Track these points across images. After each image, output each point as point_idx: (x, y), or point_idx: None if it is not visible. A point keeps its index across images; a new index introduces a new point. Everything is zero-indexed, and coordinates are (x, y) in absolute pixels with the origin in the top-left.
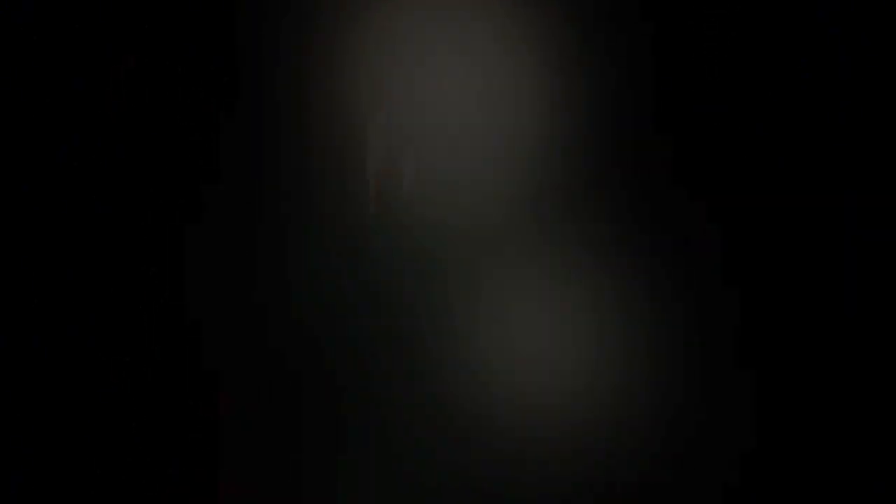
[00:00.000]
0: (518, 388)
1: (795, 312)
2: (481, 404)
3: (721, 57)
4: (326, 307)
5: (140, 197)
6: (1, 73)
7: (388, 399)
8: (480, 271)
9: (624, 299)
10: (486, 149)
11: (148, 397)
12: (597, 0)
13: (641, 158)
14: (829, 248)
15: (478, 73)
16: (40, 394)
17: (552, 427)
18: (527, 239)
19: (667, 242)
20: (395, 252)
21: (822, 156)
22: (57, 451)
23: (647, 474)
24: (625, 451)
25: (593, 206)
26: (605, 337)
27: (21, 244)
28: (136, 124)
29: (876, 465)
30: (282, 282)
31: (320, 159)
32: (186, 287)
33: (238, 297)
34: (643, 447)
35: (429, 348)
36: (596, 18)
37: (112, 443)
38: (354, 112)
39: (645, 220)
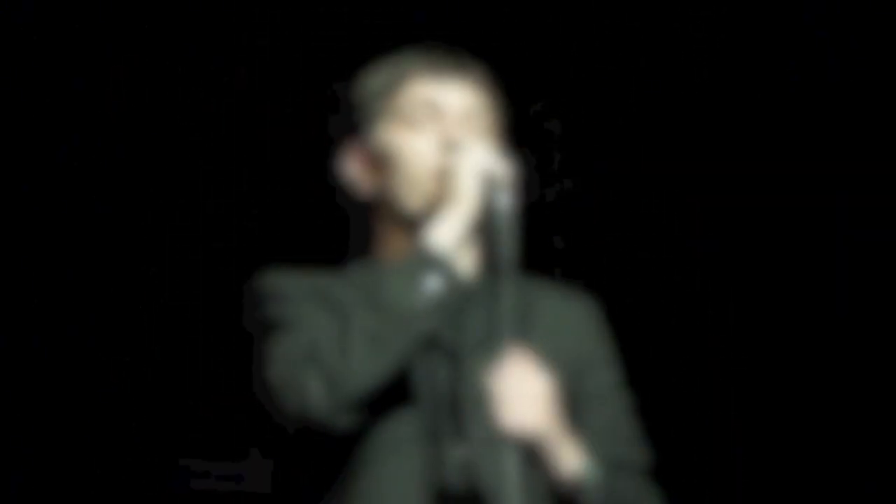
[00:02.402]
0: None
1: (787, 311)
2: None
3: (716, 59)
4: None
5: (139, 197)
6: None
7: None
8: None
9: (619, 298)
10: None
11: (146, 397)
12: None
13: (636, 160)
14: (820, 248)
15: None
16: (40, 394)
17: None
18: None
19: (661, 243)
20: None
21: (814, 157)
22: (56, 452)
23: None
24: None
25: (588, 209)
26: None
27: (21, 244)
28: (136, 124)
29: (869, 461)
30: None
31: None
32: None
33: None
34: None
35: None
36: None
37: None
38: None
39: (640, 220)
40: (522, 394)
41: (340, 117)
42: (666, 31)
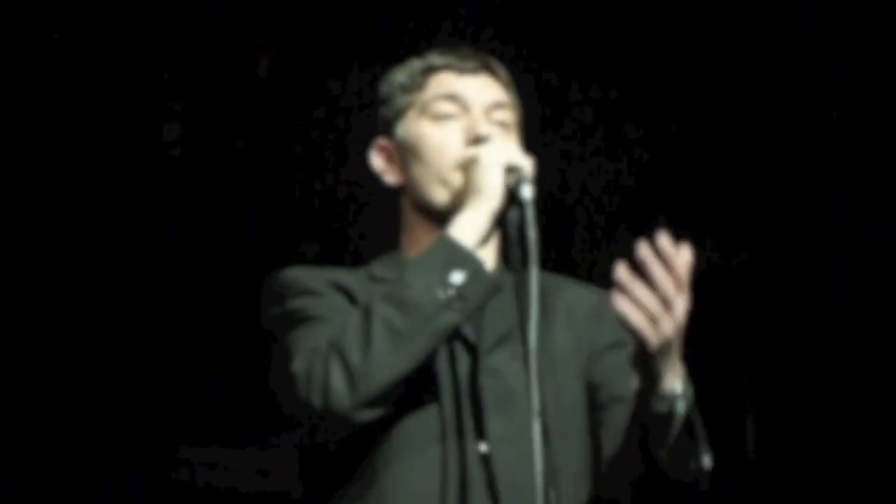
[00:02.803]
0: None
1: (787, 311)
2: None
3: (715, 59)
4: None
5: (139, 197)
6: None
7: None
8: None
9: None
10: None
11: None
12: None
13: (640, 160)
14: (820, 248)
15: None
16: (40, 393)
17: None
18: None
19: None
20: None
21: (814, 157)
22: (57, 451)
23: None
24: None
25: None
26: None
27: (21, 244)
28: (136, 124)
29: (869, 461)
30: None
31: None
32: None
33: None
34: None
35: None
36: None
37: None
38: None
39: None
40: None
41: (370, 112)
42: (666, 31)
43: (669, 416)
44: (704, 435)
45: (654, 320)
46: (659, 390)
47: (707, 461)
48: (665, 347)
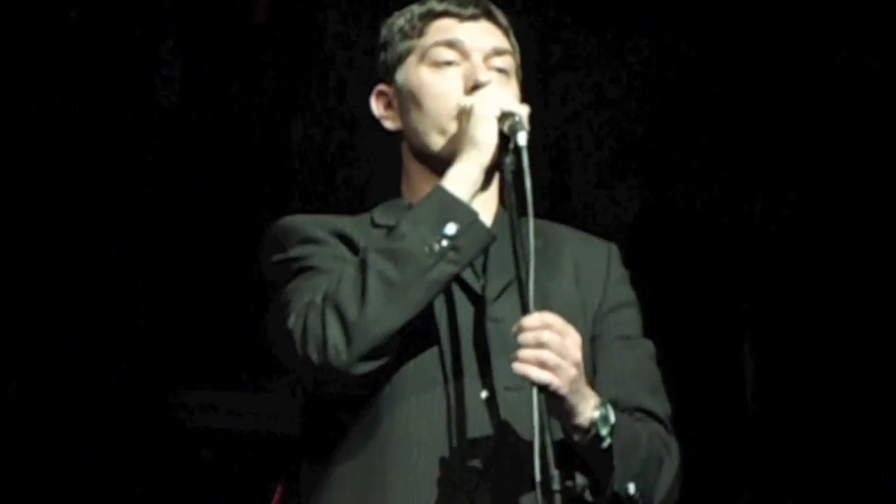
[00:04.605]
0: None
1: (788, 310)
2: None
3: (717, 58)
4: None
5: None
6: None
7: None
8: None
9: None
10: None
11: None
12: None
13: (645, 157)
14: (822, 248)
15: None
16: (39, 393)
17: None
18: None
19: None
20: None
21: (815, 157)
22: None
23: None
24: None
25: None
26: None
27: (21, 244)
28: (136, 124)
29: (868, 461)
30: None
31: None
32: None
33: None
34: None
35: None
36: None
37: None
38: None
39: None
40: (556, 349)
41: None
42: (664, 33)
43: (594, 443)
44: (633, 463)
45: (554, 370)
46: (580, 425)
47: (632, 487)
48: (573, 386)
